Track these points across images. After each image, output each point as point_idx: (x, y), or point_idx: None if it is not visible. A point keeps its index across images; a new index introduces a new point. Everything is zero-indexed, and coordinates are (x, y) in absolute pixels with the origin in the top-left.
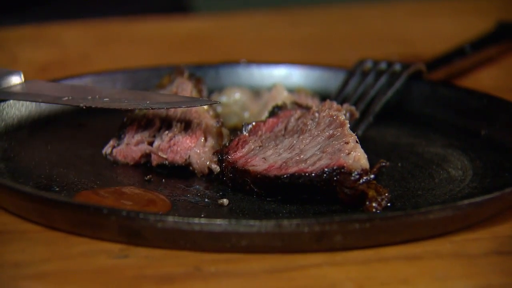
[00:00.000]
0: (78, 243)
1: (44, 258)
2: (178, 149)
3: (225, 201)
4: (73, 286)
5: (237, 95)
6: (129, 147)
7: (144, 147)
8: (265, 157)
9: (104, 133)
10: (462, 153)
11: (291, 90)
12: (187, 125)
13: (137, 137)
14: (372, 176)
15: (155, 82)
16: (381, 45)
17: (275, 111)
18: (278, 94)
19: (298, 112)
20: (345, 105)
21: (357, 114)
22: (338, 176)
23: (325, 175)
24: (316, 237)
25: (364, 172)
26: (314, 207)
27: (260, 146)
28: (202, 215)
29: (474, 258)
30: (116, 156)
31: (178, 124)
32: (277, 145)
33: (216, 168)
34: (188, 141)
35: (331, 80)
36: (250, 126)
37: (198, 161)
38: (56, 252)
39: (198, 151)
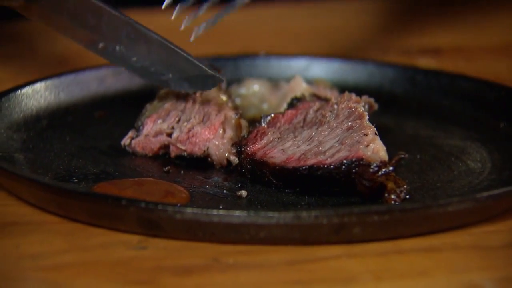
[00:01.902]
0: (97, 234)
1: (63, 249)
2: (197, 140)
3: (243, 192)
4: (91, 277)
5: (255, 87)
6: (147, 139)
7: (163, 138)
8: (283, 148)
9: (123, 124)
10: (481, 145)
11: (310, 82)
12: (206, 117)
13: (156, 128)
14: (391, 168)
15: None
16: (401, 37)
17: (294, 103)
18: (297, 85)
19: (317, 104)
20: (364, 97)
21: (375, 106)
22: (357, 168)
23: (343, 167)
24: (335, 229)
25: (383, 164)
26: (332, 199)
27: (278, 138)
28: (221, 207)
29: (493, 251)
30: (134, 147)
31: (197, 116)
32: (296, 137)
33: (234, 159)
34: (206, 133)
35: (350, 72)
36: (268, 117)
37: (216, 153)
38: (75, 243)
39: (216, 142)
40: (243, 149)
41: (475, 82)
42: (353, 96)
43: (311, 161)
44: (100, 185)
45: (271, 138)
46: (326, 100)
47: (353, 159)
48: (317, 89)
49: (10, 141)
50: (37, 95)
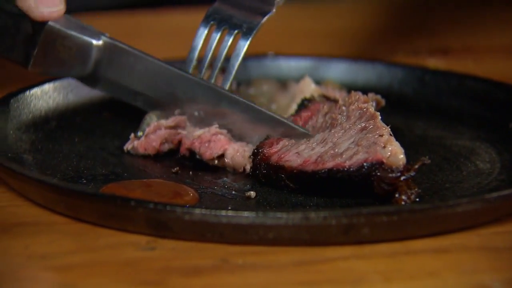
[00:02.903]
0: (105, 235)
1: (71, 249)
2: (215, 145)
3: (252, 193)
4: (100, 278)
5: (264, 87)
6: (148, 137)
7: (162, 132)
8: (298, 152)
9: (132, 124)
10: (490, 145)
11: (318, 83)
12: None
13: (154, 123)
14: (413, 173)
15: None
16: (410, 37)
17: (304, 104)
18: (306, 86)
19: (326, 106)
20: (371, 95)
21: (383, 102)
22: (377, 172)
23: (363, 169)
24: (344, 229)
25: (406, 169)
26: (341, 200)
27: (293, 141)
28: (229, 208)
29: (502, 252)
30: (137, 149)
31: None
32: (309, 140)
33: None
34: (225, 143)
35: (359, 72)
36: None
37: (234, 158)
38: (83, 244)
39: (236, 147)
40: (258, 153)
41: (484, 83)
42: (361, 95)
43: (330, 164)
44: (108, 186)
45: (287, 143)
46: (335, 101)
47: (373, 162)
48: (326, 90)
49: (19, 142)
50: (46, 96)
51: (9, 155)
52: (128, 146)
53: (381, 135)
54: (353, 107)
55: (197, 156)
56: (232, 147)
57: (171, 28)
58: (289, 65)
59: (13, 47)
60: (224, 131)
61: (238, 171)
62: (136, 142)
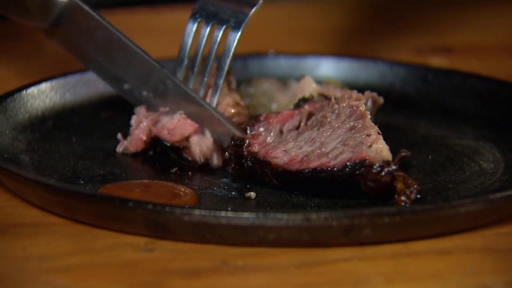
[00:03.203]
0: (103, 236)
1: (69, 251)
2: (179, 131)
3: (252, 194)
4: (98, 279)
5: (265, 86)
6: (133, 133)
7: (144, 125)
8: (286, 149)
9: (129, 125)
10: (494, 145)
11: (320, 82)
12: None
13: (135, 118)
14: (393, 167)
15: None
16: (412, 35)
17: (300, 104)
18: (307, 85)
19: (318, 104)
20: (367, 93)
21: (380, 100)
22: (361, 170)
23: (347, 169)
24: (345, 230)
25: (386, 163)
26: (342, 201)
27: (279, 138)
28: (229, 208)
29: (506, 253)
30: (129, 149)
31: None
32: (297, 138)
33: (215, 159)
34: (189, 125)
35: (361, 71)
36: (261, 118)
37: (198, 147)
38: (81, 245)
39: (197, 138)
40: (244, 144)
41: (488, 81)
42: (354, 93)
43: (314, 164)
44: (106, 187)
45: (270, 137)
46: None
47: (357, 161)
48: (327, 90)
49: (15, 142)
50: (43, 95)
51: (5, 155)
52: (119, 148)
53: (369, 135)
54: (344, 104)
55: (165, 143)
56: (198, 135)
57: (166, 26)
58: (289, 64)
59: None
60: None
61: (196, 164)
62: (125, 143)
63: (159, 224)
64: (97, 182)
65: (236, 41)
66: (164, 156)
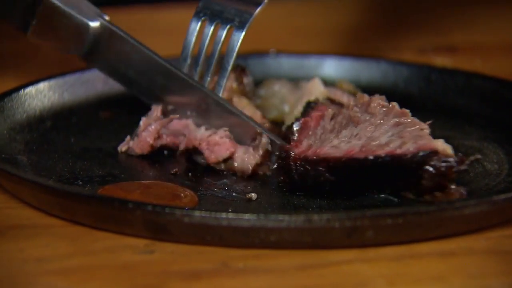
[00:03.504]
0: (102, 238)
1: (68, 253)
2: (219, 148)
3: (253, 195)
4: (97, 282)
5: (276, 88)
6: (140, 135)
7: (153, 127)
8: (334, 145)
9: (129, 124)
10: (498, 146)
11: (332, 83)
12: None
13: (144, 120)
14: (465, 167)
15: None
16: (415, 35)
17: (311, 106)
18: (314, 87)
19: (332, 109)
20: (376, 96)
21: None
22: (434, 161)
23: (419, 157)
24: (347, 232)
25: (461, 160)
26: (344, 202)
27: (319, 139)
28: (230, 210)
29: (510, 255)
30: (134, 150)
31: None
32: (337, 136)
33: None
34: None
35: (364, 70)
36: (299, 123)
37: (244, 161)
38: (80, 247)
39: (244, 150)
40: (289, 156)
41: (492, 81)
42: (373, 96)
43: (381, 151)
44: (106, 188)
45: (310, 142)
46: (340, 104)
47: (429, 151)
48: (334, 93)
49: (13, 142)
50: (41, 95)
51: (3, 156)
52: (122, 148)
53: (423, 129)
54: (374, 104)
55: (200, 159)
56: (240, 150)
57: (168, 24)
58: (291, 63)
59: (13, 12)
60: (230, 135)
61: (244, 174)
62: (131, 143)
63: (159, 226)
64: (96, 183)
65: (240, 40)
66: (164, 157)
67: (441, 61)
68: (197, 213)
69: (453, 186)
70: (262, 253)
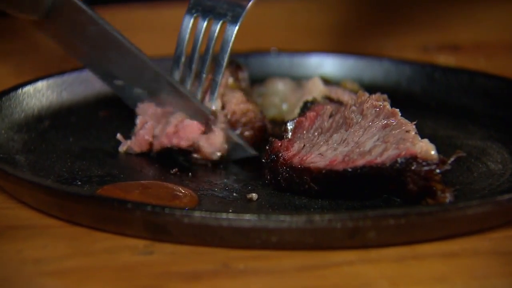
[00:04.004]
0: (101, 239)
1: (66, 254)
2: (185, 134)
3: (254, 195)
4: (96, 283)
5: (278, 86)
6: (138, 134)
7: (150, 124)
8: (320, 153)
9: (128, 124)
10: (502, 145)
11: (337, 83)
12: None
13: (140, 118)
14: (448, 167)
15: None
16: (418, 33)
17: (307, 106)
18: (315, 87)
19: (330, 108)
20: (377, 94)
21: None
22: (413, 166)
23: (398, 164)
24: (349, 233)
25: (442, 162)
26: (346, 202)
27: (309, 143)
28: (230, 210)
29: None
30: (133, 149)
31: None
32: (327, 141)
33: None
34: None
35: (366, 69)
36: (293, 122)
37: (210, 146)
38: (79, 248)
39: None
40: (278, 158)
41: (496, 80)
42: (373, 95)
43: (360, 162)
44: (104, 188)
45: (302, 145)
46: (339, 103)
47: (407, 157)
48: (335, 92)
49: (11, 142)
50: (39, 94)
51: (1, 155)
52: (123, 148)
53: (408, 131)
54: (367, 105)
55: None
56: (205, 134)
57: (165, 22)
58: (292, 62)
59: None
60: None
61: (219, 156)
62: (129, 142)
63: (158, 226)
64: (95, 183)
65: (234, 35)
66: (163, 157)
67: (445, 59)
68: (197, 214)
69: (440, 193)
70: (263, 254)
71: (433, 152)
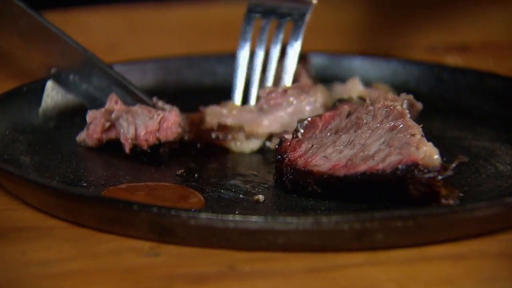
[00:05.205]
0: (107, 240)
1: (71, 256)
2: (169, 124)
3: (260, 197)
4: (101, 285)
5: (359, 86)
6: (88, 128)
7: (99, 120)
8: (326, 155)
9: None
10: (511, 147)
11: (367, 85)
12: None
13: (90, 113)
14: (450, 173)
15: (186, 71)
16: (426, 33)
17: (336, 104)
18: (353, 87)
19: (350, 107)
20: (402, 95)
21: (419, 106)
22: (414, 173)
23: (399, 172)
24: (357, 235)
25: (443, 168)
26: (354, 204)
27: (317, 144)
28: (237, 212)
29: None
30: (86, 142)
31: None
32: (335, 142)
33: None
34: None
35: (373, 69)
36: (305, 122)
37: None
38: (84, 250)
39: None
40: (283, 159)
41: (505, 81)
42: (390, 94)
43: (362, 168)
44: (110, 189)
45: (310, 145)
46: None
47: (409, 164)
48: (373, 93)
49: (16, 143)
50: (44, 94)
51: (5, 156)
52: (79, 138)
53: (413, 135)
54: (379, 105)
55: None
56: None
57: (174, 23)
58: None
59: None
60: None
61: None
62: (83, 135)
63: (164, 228)
64: (100, 184)
65: (304, 28)
66: (169, 158)
67: (453, 60)
68: (203, 215)
69: (444, 200)
70: (270, 256)
71: (436, 157)
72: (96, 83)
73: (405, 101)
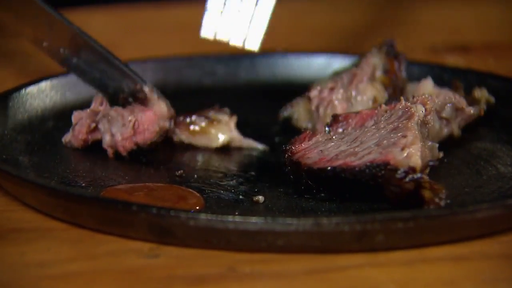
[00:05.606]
0: (106, 241)
1: (70, 257)
2: (145, 126)
3: (260, 198)
4: (100, 286)
5: (430, 87)
6: (74, 129)
7: (84, 121)
8: (323, 149)
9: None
10: None
11: (446, 84)
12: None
13: (75, 114)
14: (419, 175)
15: (186, 71)
16: (427, 33)
17: (387, 103)
18: (425, 89)
19: (387, 107)
20: (480, 91)
21: (491, 100)
22: (382, 172)
23: (367, 170)
24: (357, 236)
25: (411, 170)
26: (354, 205)
27: (326, 138)
28: (237, 213)
29: None
30: (72, 143)
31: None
32: (342, 138)
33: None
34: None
35: None
36: (340, 117)
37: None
38: (83, 251)
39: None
40: (287, 150)
41: (506, 81)
42: (426, 95)
43: (337, 162)
44: (109, 189)
45: (320, 139)
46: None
47: (378, 163)
48: (444, 94)
49: (14, 143)
50: (43, 94)
51: (4, 157)
52: (65, 139)
53: (404, 136)
54: (400, 106)
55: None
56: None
57: (174, 23)
58: (299, 62)
59: None
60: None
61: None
62: (69, 136)
63: (163, 229)
64: (99, 185)
65: None
66: (169, 159)
67: (454, 60)
68: (203, 216)
69: (425, 206)
70: (270, 257)
71: (414, 158)
72: (85, 57)
73: (448, 105)
